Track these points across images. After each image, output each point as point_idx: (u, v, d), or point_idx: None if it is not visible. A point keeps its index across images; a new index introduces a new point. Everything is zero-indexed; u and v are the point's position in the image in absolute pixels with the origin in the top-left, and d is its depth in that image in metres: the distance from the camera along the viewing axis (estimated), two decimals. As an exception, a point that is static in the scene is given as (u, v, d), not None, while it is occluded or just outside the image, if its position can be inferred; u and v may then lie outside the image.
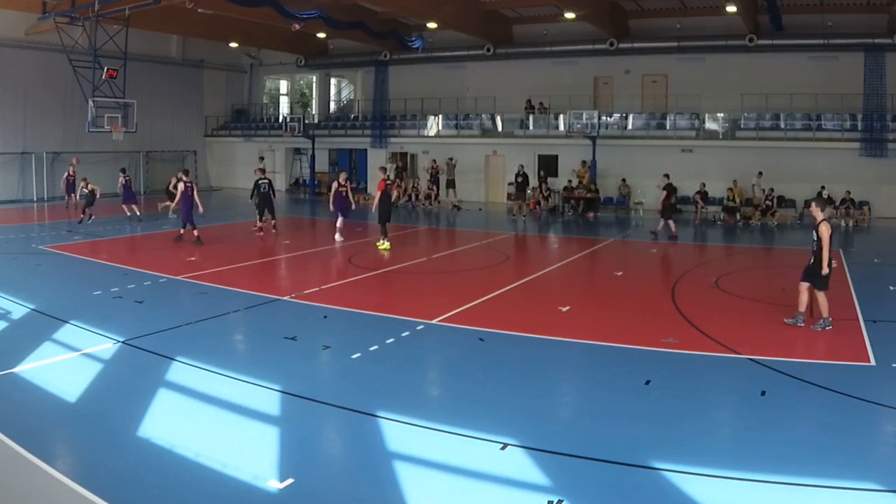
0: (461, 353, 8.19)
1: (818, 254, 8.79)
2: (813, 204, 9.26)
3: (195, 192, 16.22)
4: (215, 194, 31.81)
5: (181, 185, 16.07)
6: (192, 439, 5.51)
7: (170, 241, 16.03)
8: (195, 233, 15.73)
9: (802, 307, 9.04)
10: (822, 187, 21.48)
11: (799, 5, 22.55)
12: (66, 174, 22.99)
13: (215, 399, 6.48)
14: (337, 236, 16.49)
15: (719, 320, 9.49)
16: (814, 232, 8.94)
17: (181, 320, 9.15)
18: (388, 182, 16.33)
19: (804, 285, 9.01)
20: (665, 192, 18.15)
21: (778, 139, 23.18)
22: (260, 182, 17.98)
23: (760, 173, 22.27)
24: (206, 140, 34.55)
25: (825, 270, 8.72)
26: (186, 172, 17.08)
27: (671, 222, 17.99)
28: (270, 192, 18.05)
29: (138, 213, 20.47)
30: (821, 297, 8.86)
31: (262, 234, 17.57)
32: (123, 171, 21.66)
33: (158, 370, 7.21)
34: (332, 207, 16.95)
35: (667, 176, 18.59)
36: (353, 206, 17.76)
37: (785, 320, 9.12)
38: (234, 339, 8.97)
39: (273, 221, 18.03)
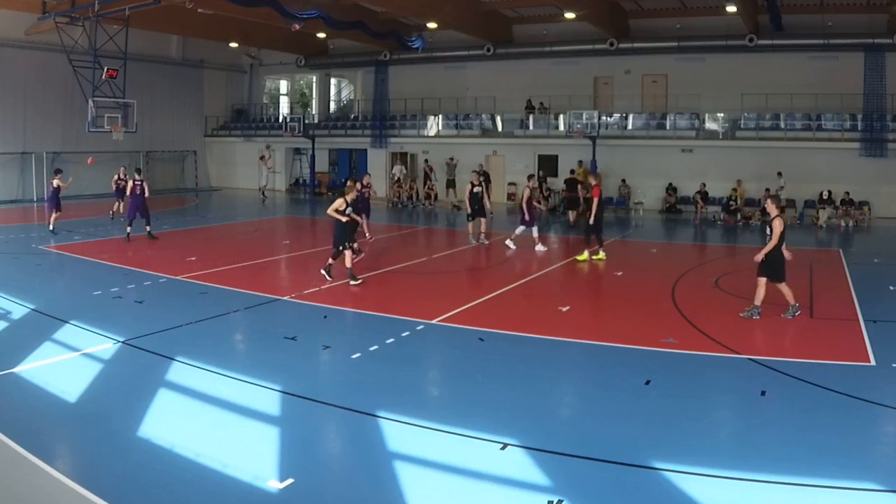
0: (461, 353, 8.19)
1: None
2: (768, 201, 9.64)
3: (146, 192, 16.05)
4: (216, 194, 31.83)
5: (130, 183, 16.19)
6: (193, 439, 5.51)
7: (169, 242, 16.03)
8: (147, 228, 16.19)
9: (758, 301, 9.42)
10: (819, 194, 21.51)
11: (799, 5, 22.53)
12: (53, 187, 17.72)
13: (215, 399, 6.48)
14: (539, 246, 15.40)
15: (719, 320, 9.49)
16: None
17: (181, 320, 9.14)
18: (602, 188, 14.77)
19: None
20: (566, 188, 21.94)
21: (778, 139, 23.15)
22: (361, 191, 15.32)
23: (780, 173, 21.74)
24: (206, 140, 34.52)
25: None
26: (139, 171, 16.74)
27: (571, 213, 21.14)
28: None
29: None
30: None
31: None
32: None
33: (158, 370, 7.21)
34: (527, 216, 15.34)
35: (572, 171, 22.66)
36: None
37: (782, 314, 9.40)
38: (235, 339, 8.97)
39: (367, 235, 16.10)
